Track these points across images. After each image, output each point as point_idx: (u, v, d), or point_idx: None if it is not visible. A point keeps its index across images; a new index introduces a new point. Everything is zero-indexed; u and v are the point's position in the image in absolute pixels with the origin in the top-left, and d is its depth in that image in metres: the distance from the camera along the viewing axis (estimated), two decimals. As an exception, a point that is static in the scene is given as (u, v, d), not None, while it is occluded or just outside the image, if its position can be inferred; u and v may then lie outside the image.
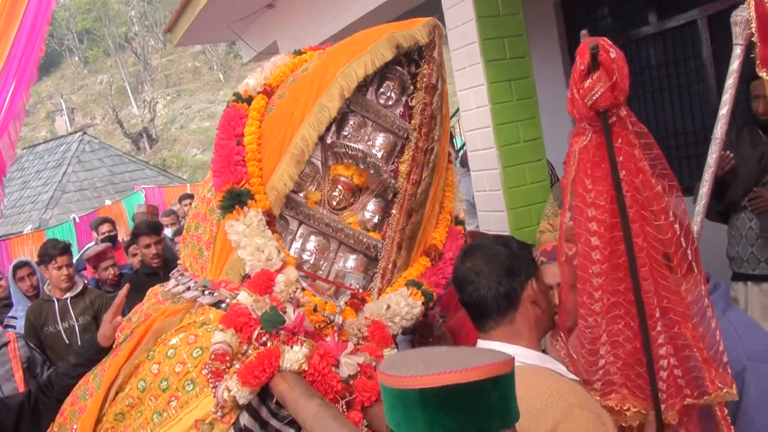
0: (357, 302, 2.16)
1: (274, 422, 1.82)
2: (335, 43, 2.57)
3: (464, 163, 5.71)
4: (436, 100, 2.44)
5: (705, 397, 1.36)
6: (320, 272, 2.36)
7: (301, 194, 2.37)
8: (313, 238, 2.37)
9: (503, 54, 3.99)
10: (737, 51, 1.60)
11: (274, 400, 1.82)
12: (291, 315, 1.93)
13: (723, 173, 3.31)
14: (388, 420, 1.05)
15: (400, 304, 2.22)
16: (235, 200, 2.08)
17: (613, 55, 1.13)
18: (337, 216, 2.43)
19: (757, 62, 1.56)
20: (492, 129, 3.91)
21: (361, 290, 2.30)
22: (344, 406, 1.82)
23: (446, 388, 0.95)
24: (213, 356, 1.81)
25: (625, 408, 1.39)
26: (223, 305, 2.01)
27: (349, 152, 2.39)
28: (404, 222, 2.43)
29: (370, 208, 2.50)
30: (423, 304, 2.30)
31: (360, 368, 1.89)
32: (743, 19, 1.54)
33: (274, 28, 7.08)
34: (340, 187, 2.43)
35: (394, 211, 2.45)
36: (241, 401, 1.76)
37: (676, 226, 1.17)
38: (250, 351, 1.84)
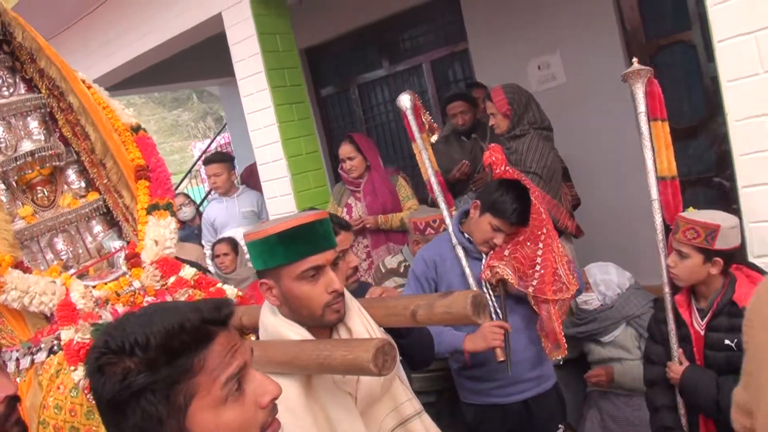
0: (134, 260, 2.51)
1: None
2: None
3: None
4: (44, 62, 2.56)
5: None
6: (82, 258, 2.65)
7: (17, 220, 2.53)
8: (56, 240, 2.60)
9: (284, 82, 4.86)
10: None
11: None
12: (108, 316, 2.30)
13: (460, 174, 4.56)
14: (257, 265, 1.61)
15: (159, 232, 2.59)
16: None
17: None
18: (54, 209, 2.64)
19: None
20: (280, 143, 4.79)
21: (125, 245, 2.66)
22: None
23: (294, 228, 1.54)
24: (86, 390, 2.11)
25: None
26: (55, 348, 2.25)
27: (19, 163, 2.53)
28: (104, 173, 2.70)
29: (72, 178, 2.71)
30: (171, 215, 2.71)
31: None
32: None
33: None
34: (39, 188, 2.60)
35: (90, 168, 2.70)
36: None
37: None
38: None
